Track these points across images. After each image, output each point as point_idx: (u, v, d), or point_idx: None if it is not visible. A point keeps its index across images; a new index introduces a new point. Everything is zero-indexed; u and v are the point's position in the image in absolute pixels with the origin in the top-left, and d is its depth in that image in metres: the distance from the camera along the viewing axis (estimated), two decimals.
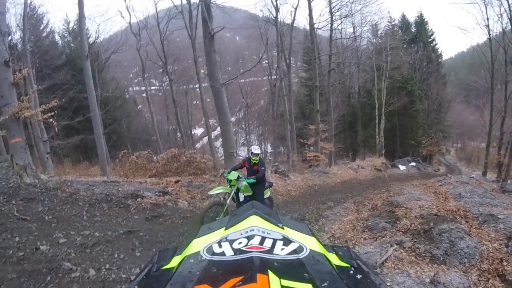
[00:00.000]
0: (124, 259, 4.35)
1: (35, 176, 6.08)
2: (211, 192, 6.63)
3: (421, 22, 34.38)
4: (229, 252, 0.96)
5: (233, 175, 6.18)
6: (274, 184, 7.80)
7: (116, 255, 4.39)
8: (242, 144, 44.37)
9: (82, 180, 8.19)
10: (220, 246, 1.01)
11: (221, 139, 39.24)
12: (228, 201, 6.14)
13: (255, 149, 6.32)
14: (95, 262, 4.07)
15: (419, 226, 5.55)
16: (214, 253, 0.97)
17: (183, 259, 1.00)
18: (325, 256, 1.01)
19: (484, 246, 4.56)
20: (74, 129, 23.47)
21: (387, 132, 28.47)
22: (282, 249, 0.97)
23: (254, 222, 1.13)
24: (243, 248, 0.96)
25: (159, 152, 19.04)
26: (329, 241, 5.87)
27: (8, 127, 6.05)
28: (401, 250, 4.70)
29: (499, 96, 20.53)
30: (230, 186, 6.22)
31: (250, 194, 6.39)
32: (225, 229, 1.16)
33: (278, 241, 1.01)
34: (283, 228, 1.15)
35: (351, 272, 0.96)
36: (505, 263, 4.05)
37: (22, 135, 6.19)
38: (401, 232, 5.56)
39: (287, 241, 1.02)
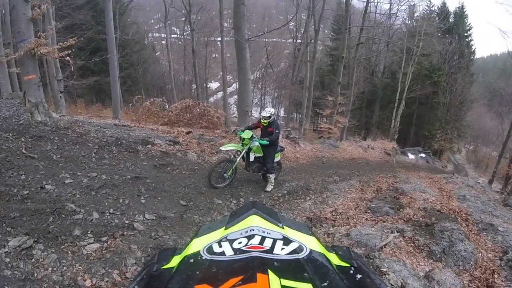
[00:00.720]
0: (129, 205, 4.40)
1: (46, 114, 6.05)
2: (222, 148, 6.67)
3: (460, 14, 32.69)
4: (229, 252, 0.96)
5: (247, 133, 6.18)
6: (284, 149, 7.82)
7: (121, 200, 4.43)
8: (256, 104, 44.05)
9: (94, 121, 8.22)
10: (220, 246, 1.01)
11: (235, 96, 39.34)
12: (238, 159, 6.19)
13: (265, 112, 6.23)
14: (99, 205, 4.10)
15: (421, 218, 5.55)
16: (214, 253, 0.97)
17: (183, 259, 1.00)
18: (325, 256, 1.01)
19: (480, 254, 4.59)
20: (90, 70, 23.34)
21: (404, 118, 27.89)
22: (282, 249, 0.97)
23: (254, 222, 1.12)
24: (243, 248, 0.96)
25: (173, 101, 19.01)
26: (331, 215, 5.92)
27: (23, 63, 5.94)
28: (401, 239, 4.73)
29: None
30: (242, 145, 6.24)
31: (260, 155, 6.43)
32: (225, 229, 1.15)
33: (278, 241, 1.01)
34: (283, 228, 1.14)
35: (351, 272, 0.96)
36: (496, 276, 4.09)
37: (37, 72, 6.09)
38: (403, 221, 5.58)
39: (287, 241, 1.02)
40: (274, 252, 0.94)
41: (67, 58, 6.32)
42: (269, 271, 0.80)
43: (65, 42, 6.23)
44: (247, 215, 1.20)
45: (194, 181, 5.99)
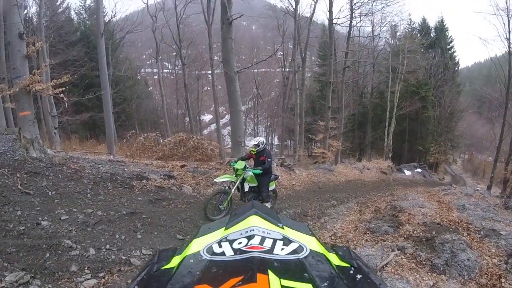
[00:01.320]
0: (125, 240, 4.36)
1: (41, 150, 6.09)
2: (217, 180, 6.70)
3: (441, 28, 33.98)
4: (229, 252, 0.96)
5: (240, 164, 6.25)
6: (279, 177, 7.83)
7: (117, 236, 4.39)
8: (249, 134, 44.36)
9: (88, 157, 8.25)
10: (220, 246, 1.01)
11: (228, 127, 39.55)
12: (233, 190, 6.18)
13: (254, 141, 6.39)
14: (95, 241, 4.06)
15: (421, 233, 5.50)
16: (214, 253, 0.97)
17: (183, 259, 1.00)
18: (325, 256, 1.01)
19: (484, 261, 4.52)
20: (84, 106, 23.54)
21: (396, 136, 28.15)
22: (282, 249, 0.97)
23: (254, 222, 1.13)
24: (243, 248, 0.96)
25: (167, 135, 19.11)
26: (330, 239, 5.87)
27: (18, 100, 6.07)
28: (402, 256, 4.67)
29: None
30: (236, 175, 6.27)
31: (255, 185, 6.44)
32: (225, 229, 1.16)
33: (278, 241, 1.01)
34: (283, 228, 1.14)
35: (351, 272, 0.96)
36: (503, 280, 4.02)
37: (32, 109, 6.21)
38: (403, 238, 5.53)
39: (287, 241, 1.02)
40: (274, 252, 0.94)
41: (61, 95, 6.46)
42: (269, 271, 0.80)
43: (59, 79, 6.40)
44: (247, 215, 1.20)
45: (190, 214, 5.95)
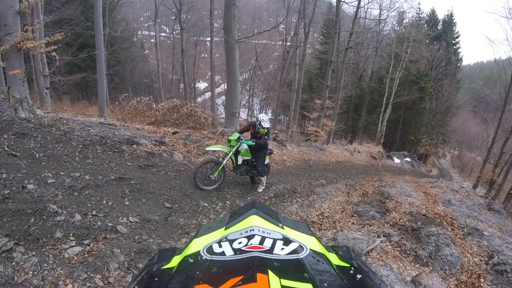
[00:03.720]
0: (112, 207, 4.28)
1: (30, 110, 5.86)
2: (208, 148, 6.69)
3: (449, 22, 33.59)
4: (229, 252, 0.95)
5: (234, 135, 6.21)
6: (273, 152, 7.83)
7: (104, 202, 4.30)
8: (243, 105, 43.97)
9: (79, 119, 8.00)
10: (220, 246, 1.01)
11: (222, 97, 39.12)
12: (225, 161, 6.12)
13: (265, 123, 6.17)
14: (81, 207, 3.97)
15: (407, 222, 5.58)
16: (214, 253, 0.97)
17: (183, 259, 0.99)
18: (325, 256, 1.01)
19: (466, 258, 4.64)
20: (77, 67, 23.02)
21: (390, 123, 28.39)
22: (282, 249, 0.96)
23: (254, 222, 1.12)
24: (243, 248, 0.95)
25: (160, 100, 18.73)
26: (317, 218, 5.91)
27: (8, 58, 5.75)
28: (387, 243, 4.73)
29: (509, 116, 20.39)
30: (230, 147, 6.19)
31: (249, 158, 6.43)
32: (225, 229, 1.15)
33: (278, 241, 1.01)
34: (283, 228, 1.14)
35: (351, 272, 0.96)
36: (482, 280, 4.13)
37: (22, 67, 5.91)
38: (389, 225, 5.60)
39: (287, 241, 1.02)
40: (274, 252, 0.93)
41: (53, 53, 6.15)
42: (269, 271, 0.80)
43: (52, 37, 6.05)
44: (247, 215, 1.20)
45: (179, 182, 5.87)
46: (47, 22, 14.01)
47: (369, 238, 4.84)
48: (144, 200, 4.83)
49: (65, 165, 4.75)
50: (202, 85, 53.35)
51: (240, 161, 6.34)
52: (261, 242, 0.98)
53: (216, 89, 23.66)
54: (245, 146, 6.22)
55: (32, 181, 4.03)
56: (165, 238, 4.08)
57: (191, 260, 0.96)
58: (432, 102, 30.89)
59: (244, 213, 1.23)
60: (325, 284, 0.81)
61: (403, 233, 5.12)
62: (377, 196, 7.79)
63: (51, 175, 4.31)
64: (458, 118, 36.44)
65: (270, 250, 0.94)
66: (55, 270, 2.99)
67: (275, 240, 1.00)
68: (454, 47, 34.00)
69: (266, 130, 6.18)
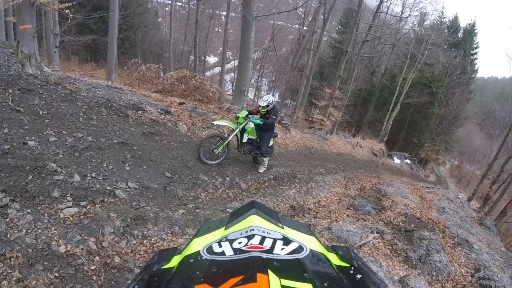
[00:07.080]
0: (112, 171, 4.27)
1: (38, 67, 5.75)
2: (215, 122, 6.71)
3: (470, 31, 32.68)
4: (229, 252, 0.96)
5: (243, 113, 6.19)
6: (278, 135, 7.86)
7: (104, 165, 4.29)
8: (252, 85, 43.58)
9: (86, 80, 7.90)
10: (220, 246, 1.01)
11: (231, 74, 38.69)
12: (230, 137, 6.12)
13: (262, 101, 6.22)
14: (81, 168, 3.95)
15: (401, 223, 5.62)
16: (214, 253, 0.98)
17: (183, 259, 1.00)
18: (325, 256, 1.02)
19: (453, 267, 4.71)
20: (88, 28, 22.74)
21: (396, 122, 28.14)
22: (282, 249, 0.97)
23: (254, 222, 1.12)
24: (243, 248, 0.96)
25: (169, 69, 18.51)
26: (314, 206, 5.94)
27: (20, 12, 5.58)
28: (380, 240, 4.78)
29: None
30: (237, 124, 6.19)
31: (254, 137, 6.44)
32: (225, 229, 1.16)
33: (278, 241, 1.01)
34: (283, 228, 1.14)
35: (351, 272, 0.97)
36: None
37: (33, 23, 5.75)
38: (383, 222, 5.65)
39: (287, 241, 1.03)
40: (274, 252, 0.94)
41: (67, 11, 5.97)
42: (269, 271, 0.80)
43: None
44: (247, 215, 1.20)
45: (181, 153, 5.86)
46: None
47: (362, 232, 4.88)
48: (144, 167, 4.83)
49: (68, 124, 4.72)
50: (212, 59, 52.62)
51: (245, 139, 6.34)
52: (261, 242, 0.99)
53: (226, 65, 23.34)
54: (252, 124, 6.22)
55: (33, 137, 4.00)
56: (163, 207, 4.10)
57: (191, 260, 0.97)
58: (441, 108, 30.54)
59: (244, 213, 1.23)
60: (325, 284, 0.82)
61: (396, 232, 5.17)
62: (374, 193, 7.82)
63: (53, 133, 4.28)
64: (464, 129, 36.19)
65: (270, 250, 0.95)
66: (49, 230, 2.99)
67: (275, 240, 1.01)
68: (472, 57, 33.21)
69: (264, 110, 6.16)
